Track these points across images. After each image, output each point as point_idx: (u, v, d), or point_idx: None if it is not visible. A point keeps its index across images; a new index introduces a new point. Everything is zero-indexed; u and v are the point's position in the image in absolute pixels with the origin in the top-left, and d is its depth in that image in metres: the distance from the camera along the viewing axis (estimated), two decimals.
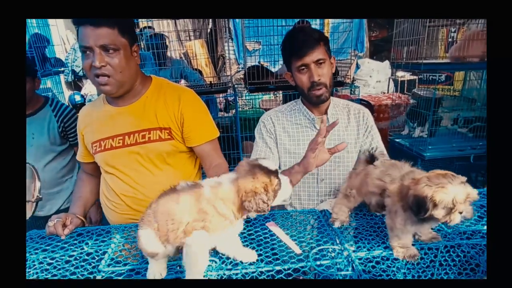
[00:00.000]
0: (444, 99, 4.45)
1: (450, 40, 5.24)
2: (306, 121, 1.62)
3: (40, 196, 0.60)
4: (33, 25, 3.47)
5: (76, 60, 6.16)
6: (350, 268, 1.00)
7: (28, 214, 0.59)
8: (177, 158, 1.50)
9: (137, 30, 4.01)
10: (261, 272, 1.00)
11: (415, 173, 1.04)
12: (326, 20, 6.67)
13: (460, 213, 0.91)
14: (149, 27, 4.27)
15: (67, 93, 5.99)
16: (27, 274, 1.04)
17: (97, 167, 1.60)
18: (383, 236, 1.13)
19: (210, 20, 6.22)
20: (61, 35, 6.30)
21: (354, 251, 1.06)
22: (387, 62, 7.13)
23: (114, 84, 1.35)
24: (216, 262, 1.03)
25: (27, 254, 1.11)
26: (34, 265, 1.07)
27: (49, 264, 1.07)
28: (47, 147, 2.03)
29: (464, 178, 0.92)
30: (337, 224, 1.21)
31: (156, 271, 0.97)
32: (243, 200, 0.90)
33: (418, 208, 0.93)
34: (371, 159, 1.22)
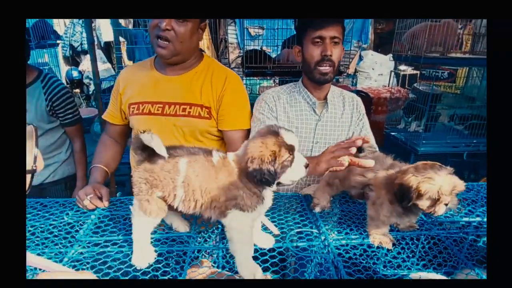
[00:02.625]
0: (444, 95, 4.42)
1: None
2: (306, 104, 1.59)
3: (35, 168, 0.58)
4: None
5: (74, 35, 6.06)
6: (325, 251, 1.01)
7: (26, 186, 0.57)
8: (208, 139, 1.49)
9: None
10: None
11: (397, 166, 1.04)
12: None
13: (446, 204, 0.91)
14: None
15: (64, 68, 5.93)
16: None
17: (123, 132, 1.59)
18: (364, 223, 1.14)
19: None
20: None
21: (332, 236, 1.07)
22: (390, 55, 7.04)
23: (171, 51, 1.34)
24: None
25: None
26: None
27: (30, 232, 1.08)
28: (36, 125, 1.98)
29: (451, 170, 0.92)
30: (317, 209, 1.22)
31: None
32: (248, 167, 0.83)
33: (402, 197, 0.93)
34: (357, 149, 1.20)
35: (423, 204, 0.92)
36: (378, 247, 1.04)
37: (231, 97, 1.46)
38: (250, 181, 0.85)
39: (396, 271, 1.10)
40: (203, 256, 1.11)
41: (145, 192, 0.90)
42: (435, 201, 0.91)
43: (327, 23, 1.45)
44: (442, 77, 6.67)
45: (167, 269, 0.93)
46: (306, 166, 0.90)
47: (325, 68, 1.49)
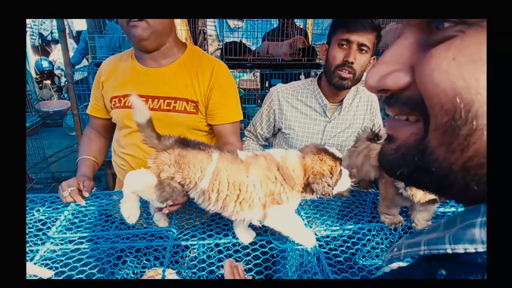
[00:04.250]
0: None
1: None
2: (317, 105, 1.55)
3: None
4: None
5: (44, 23, 5.75)
6: None
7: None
8: (193, 134, 1.41)
9: None
10: (217, 245, 0.99)
11: None
12: None
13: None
14: None
15: (33, 58, 5.64)
16: None
17: (107, 125, 1.51)
18: (347, 215, 1.16)
19: None
20: None
21: (312, 228, 1.08)
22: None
23: (146, 27, 1.25)
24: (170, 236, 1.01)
25: None
26: None
27: None
28: None
29: None
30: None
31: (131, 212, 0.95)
32: (311, 181, 0.90)
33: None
34: (374, 137, 1.19)
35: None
36: (358, 238, 1.06)
37: (221, 91, 1.40)
38: (307, 192, 0.93)
39: (374, 261, 1.12)
40: (182, 251, 1.09)
41: (166, 172, 0.90)
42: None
43: (360, 26, 1.36)
44: None
45: (146, 265, 0.90)
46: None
47: (344, 74, 1.41)
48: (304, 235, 0.95)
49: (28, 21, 5.57)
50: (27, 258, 0.90)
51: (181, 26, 5.55)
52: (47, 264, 0.89)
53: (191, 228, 1.12)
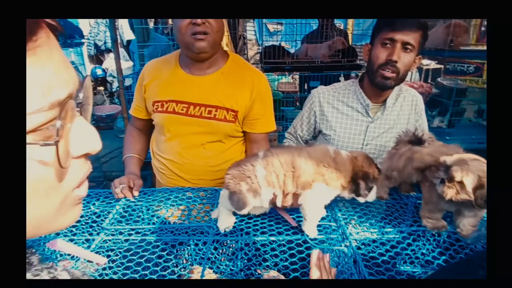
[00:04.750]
0: (469, 90, 4.27)
1: (483, 28, 4.96)
2: (359, 105, 1.53)
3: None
4: None
5: (98, 34, 6.25)
6: (343, 245, 1.01)
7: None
8: (229, 140, 1.49)
9: None
10: (255, 242, 1.03)
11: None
12: None
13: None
14: None
15: (89, 66, 6.14)
16: None
17: (148, 125, 1.59)
18: (386, 218, 1.13)
19: None
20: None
21: (350, 230, 1.07)
22: None
23: (210, 42, 1.31)
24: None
25: None
26: None
27: None
28: None
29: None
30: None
31: (227, 222, 1.09)
32: (357, 178, 1.03)
33: None
34: (417, 141, 1.17)
35: None
36: (398, 242, 1.03)
37: (262, 103, 1.45)
38: (347, 190, 1.06)
39: (416, 267, 1.08)
40: (221, 247, 1.14)
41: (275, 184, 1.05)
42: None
43: (405, 25, 1.33)
44: (468, 71, 6.42)
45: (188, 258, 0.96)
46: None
47: (388, 73, 1.38)
48: (313, 225, 1.05)
49: (85, 32, 6.08)
50: (84, 247, 1.00)
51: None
52: (101, 252, 0.98)
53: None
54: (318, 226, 1.10)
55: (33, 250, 0.39)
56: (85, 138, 0.40)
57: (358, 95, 1.53)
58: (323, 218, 1.14)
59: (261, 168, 1.02)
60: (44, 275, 0.37)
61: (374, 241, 1.05)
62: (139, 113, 1.56)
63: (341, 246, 1.01)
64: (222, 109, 1.40)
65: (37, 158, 0.34)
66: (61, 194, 0.38)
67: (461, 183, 0.89)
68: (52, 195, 0.37)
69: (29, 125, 0.33)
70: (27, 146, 0.33)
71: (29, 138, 0.33)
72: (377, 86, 1.45)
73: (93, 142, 0.40)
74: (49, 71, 0.34)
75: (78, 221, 1.13)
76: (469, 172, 0.89)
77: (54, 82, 0.34)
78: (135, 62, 4.58)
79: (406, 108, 1.54)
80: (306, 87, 3.83)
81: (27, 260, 0.37)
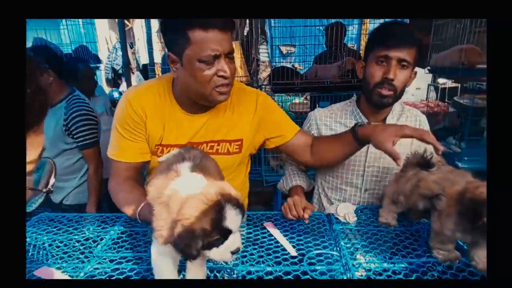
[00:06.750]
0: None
1: None
2: None
3: (52, 189, 0.61)
4: (79, 24, 3.73)
5: (117, 59, 6.50)
6: (345, 277, 0.93)
7: (38, 202, 0.60)
8: (231, 170, 1.37)
9: None
10: (249, 272, 0.96)
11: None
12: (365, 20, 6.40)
13: None
14: None
15: (107, 89, 6.34)
16: (29, 253, 1.09)
17: (141, 168, 1.37)
18: (393, 248, 1.05)
19: (247, 22, 6.28)
20: (105, 35, 6.70)
21: (353, 260, 0.99)
22: (426, 69, 6.75)
23: (230, 90, 1.21)
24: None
25: (36, 235, 1.17)
26: (39, 245, 1.12)
27: (49, 245, 1.11)
28: (52, 143, 1.98)
29: None
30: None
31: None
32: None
33: (474, 213, 0.83)
34: (425, 164, 1.11)
35: None
36: (405, 275, 0.94)
37: (272, 113, 1.38)
38: None
39: None
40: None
41: None
42: None
43: (399, 42, 1.29)
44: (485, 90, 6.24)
45: None
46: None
47: (385, 91, 1.33)
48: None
49: (103, 58, 6.34)
50: (73, 275, 0.96)
51: (236, 57, 5.80)
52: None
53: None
54: (319, 255, 1.03)
55: None
56: None
57: (356, 115, 1.49)
58: (325, 247, 1.07)
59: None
60: None
61: (379, 273, 0.96)
62: (141, 156, 1.30)
63: (342, 278, 0.93)
64: (224, 142, 1.31)
65: None
66: None
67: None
68: None
69: None
70: None
71: None
72: (374, 105, 1.41)
73: None
74: None
75: (66, 245, 1.10)
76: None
77: None
78: None
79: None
80: (316, 107, 3.79)
81: None
